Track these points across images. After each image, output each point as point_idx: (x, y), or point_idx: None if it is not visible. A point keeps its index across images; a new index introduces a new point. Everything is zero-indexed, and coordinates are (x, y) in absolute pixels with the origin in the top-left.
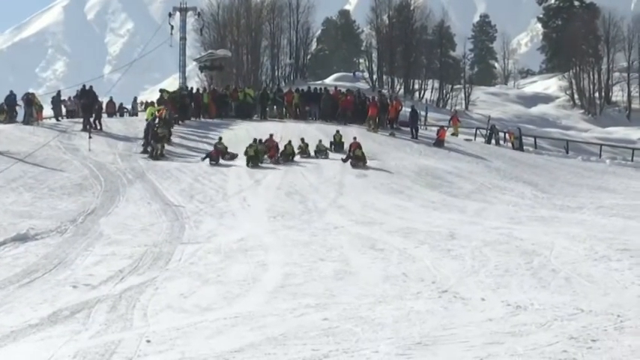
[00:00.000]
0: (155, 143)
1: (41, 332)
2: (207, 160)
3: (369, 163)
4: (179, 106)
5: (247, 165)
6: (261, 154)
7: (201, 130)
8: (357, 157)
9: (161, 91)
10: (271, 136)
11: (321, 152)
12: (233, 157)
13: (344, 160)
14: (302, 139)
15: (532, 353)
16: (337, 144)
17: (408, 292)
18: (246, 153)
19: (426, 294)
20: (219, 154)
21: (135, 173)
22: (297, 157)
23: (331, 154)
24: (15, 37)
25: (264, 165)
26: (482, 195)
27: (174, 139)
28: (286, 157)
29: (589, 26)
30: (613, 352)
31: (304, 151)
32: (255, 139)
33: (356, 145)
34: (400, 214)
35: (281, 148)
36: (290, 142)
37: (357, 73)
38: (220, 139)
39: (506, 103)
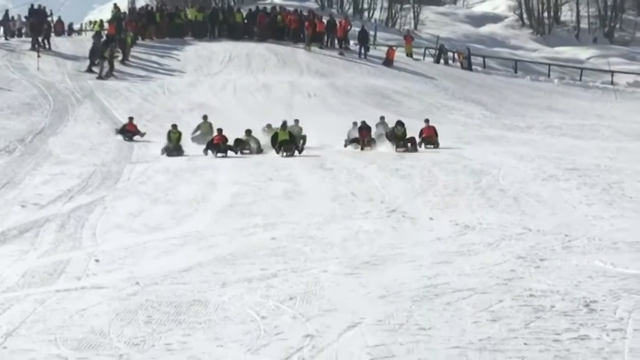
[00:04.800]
0: (102, 62)
1: None
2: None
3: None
4: (139, 26)
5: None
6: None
7: (155, 50)
8: (398, 139)
9: (115, 6)
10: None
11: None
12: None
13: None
14: (284, 123)
15: (480, 272)
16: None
17: (357, 212)
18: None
19: (374, 213)
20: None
21: (84, 92)
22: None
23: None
24: None
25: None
26: (431, 115)
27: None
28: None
29: None
30: (561, 271)
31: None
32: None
33: (430, 132)
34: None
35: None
36: (249, 132)
37: None
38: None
39: (455, 22)
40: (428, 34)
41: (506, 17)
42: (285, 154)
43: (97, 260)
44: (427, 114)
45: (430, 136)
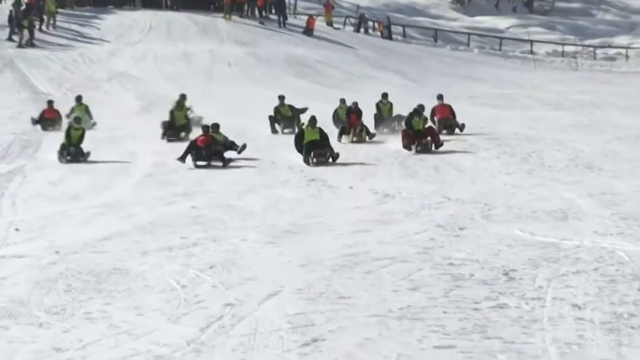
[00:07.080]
0: (21, 31)
1: None
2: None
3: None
4: None
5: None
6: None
7: (76, 18)
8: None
9: None
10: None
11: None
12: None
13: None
14: (312, 118)
15: (400, 241)
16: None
17: (277, 181)
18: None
19: (294, 182)
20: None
21: (4, 61)
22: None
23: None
24: None
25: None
26: (352, 84)
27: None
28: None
29: None
30: (480, 240)
31: None
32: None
33: (445, 112)
34: (269, 102)
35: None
36: (216, 126)
37: None
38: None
39: None
40: (348, 3)
41: None
42: (315, 160)
43: (16, 229)
44: (348, 83)
45: (446, 118)
